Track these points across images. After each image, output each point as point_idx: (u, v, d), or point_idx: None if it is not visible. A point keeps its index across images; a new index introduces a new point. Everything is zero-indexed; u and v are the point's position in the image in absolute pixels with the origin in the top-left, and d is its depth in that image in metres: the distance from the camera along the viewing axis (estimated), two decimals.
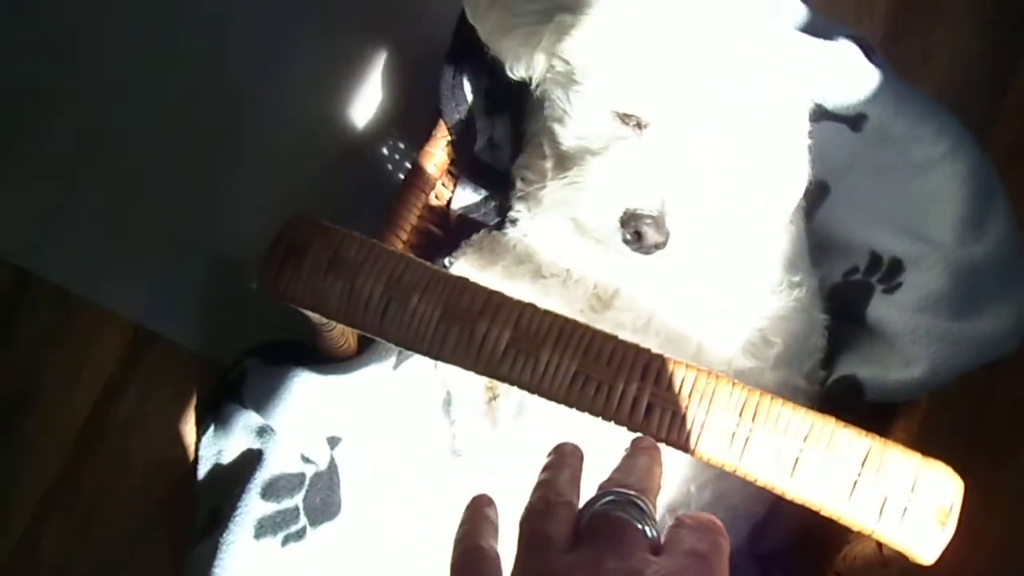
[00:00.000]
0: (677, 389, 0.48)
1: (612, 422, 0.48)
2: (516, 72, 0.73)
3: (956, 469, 0.50)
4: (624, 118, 0.68)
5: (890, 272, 0.78)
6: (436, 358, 0.50)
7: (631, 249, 0.67)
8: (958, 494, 0.49)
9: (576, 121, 0.70)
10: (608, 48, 0.67)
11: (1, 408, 0.94)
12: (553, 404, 0.75)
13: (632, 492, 0.43)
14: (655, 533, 0.42)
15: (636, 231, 0.65)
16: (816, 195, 0.83)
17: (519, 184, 0.79)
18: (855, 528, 0.47)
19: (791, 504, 0.81)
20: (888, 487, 0.46)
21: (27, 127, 0.99)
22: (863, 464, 0.47)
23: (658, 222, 0.65)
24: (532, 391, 0.49)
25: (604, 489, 0.43)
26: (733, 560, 0.66)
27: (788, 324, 0.77)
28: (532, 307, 0.49)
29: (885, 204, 0.80)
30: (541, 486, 0.45)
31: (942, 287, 0.74)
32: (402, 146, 0.98)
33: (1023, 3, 0.98)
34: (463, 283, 0.50)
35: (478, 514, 0.44)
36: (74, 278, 0.96)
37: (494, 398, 0.84)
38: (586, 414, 0.49)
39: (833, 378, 0.77)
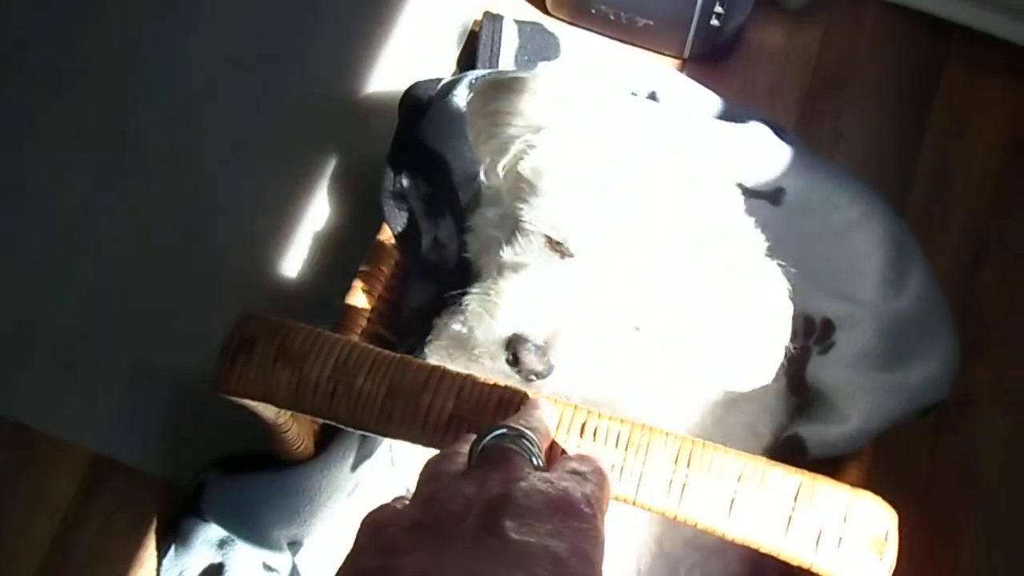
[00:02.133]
0: (615, 443, 0.50)
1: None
2: (489, 179, 0.75)
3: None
4: (554, 244, 0.67)
5: (823, 333, 0.82)
6: (384, 434, 0.51)
7: (513, 371, 0.64)
8: (892, 523, 0.51)
9: (517, 237, 0.70)
10: (553, 175, 0.68)
11: None
12: None
13: (521, 427, 0.45)
14: (542, 463, 0.45)
15: (515, 355, 0.63)
16: None
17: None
18: (795, 562, 0.49)
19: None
20: (822, 519, 0.48)
21: None
22: (796, 498, 0.49)
23: (540, 351, 0.62)
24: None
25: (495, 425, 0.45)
26: None
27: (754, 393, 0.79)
28: (472, 378, 0.52)
29: (812, 270, 0.84)
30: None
31: (870, 341, 0.78)
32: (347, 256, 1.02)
33: (919, 80, 1.06)
34: (405, 361, 0.52)
35: None
36: (33, 411, 0.97)
37: None
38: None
39: (779, 439, 0.79)
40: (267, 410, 0.67)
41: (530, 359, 0.62)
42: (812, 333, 0.82)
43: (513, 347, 0.63)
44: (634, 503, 0.49)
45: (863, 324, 0.79)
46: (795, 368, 0.82)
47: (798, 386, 0.82)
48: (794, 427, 0.79)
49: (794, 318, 0.84)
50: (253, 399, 0.55)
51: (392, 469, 0.84)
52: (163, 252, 1.01)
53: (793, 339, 0.84)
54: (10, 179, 1.04)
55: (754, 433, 0.77)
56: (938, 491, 0.94)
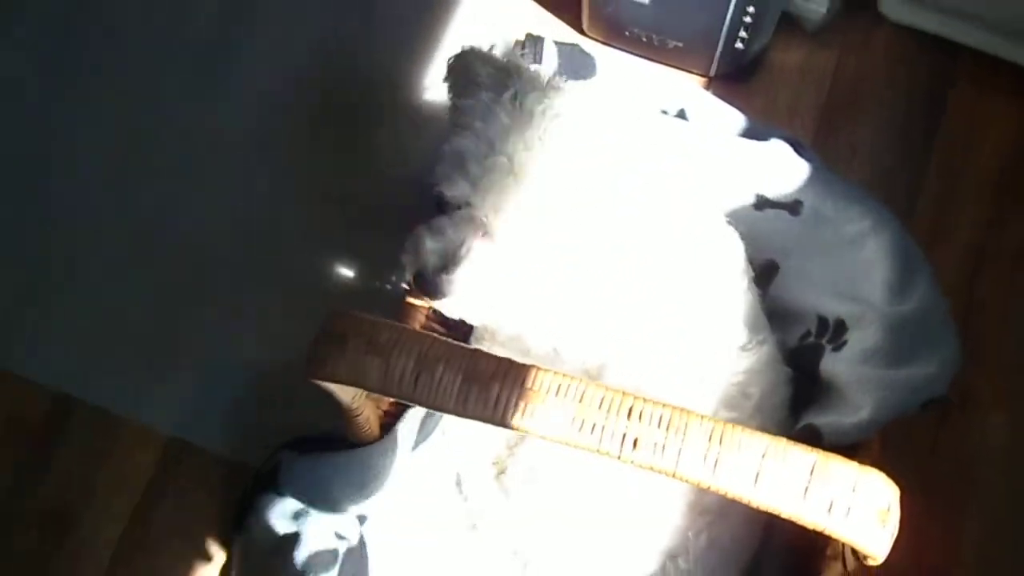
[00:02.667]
0: (658, 424, 0.59)
1: (606, 456, 0.59)
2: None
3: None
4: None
5: (836, 332, 0.91)
6: (460, 415, 0.60)
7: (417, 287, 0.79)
8: (895, 496, 0.59)
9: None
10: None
11: (49, 523, 1.03)
12: (559, 468, 0.86)
13: None
14: None
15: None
16: (768, 272, 0.96)
17: None
18: (810, 527, 0.58)
19: (776, 549, 0.91)
20: (833, 490, 0.57)
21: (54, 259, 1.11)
22: (811, 473, 0.57)
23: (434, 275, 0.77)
24: (537, 435, 0.60)
25: None
26: None
27: (760, 377, 0.88)
28: (536, 368, 0.61)
29: (826, 275, 0.93)
30: None
31: (878, 341, 0.86)
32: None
33: (928, 98, 1.14)
34: (478, 353, 0.61)
35: None
36: (113, 397, 1.06)
37: (502, 472, 0.94)
38: (583, 451, 0.59)
39: (796, 428, 0.88)
40: (345, 396, 0.76)
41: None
42: (826, 332, 0.91)
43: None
44: (673, 475, 0.58)
45: (872, 325, 0.87)
46: (809, 362, 0.91)
47: (811, 378, 0.90)
48: (810, 417, 0.88)
49: (808, 317, 0.94)
50: (345, 384, 0.64)
51: (445, 451, 0.94)
52: (232, 252, 1.11)
53: (807, 336, 0.94)
54: (94, 180, 1.14)
55: (744, 394, 0.87)
56: (940, 480, 1.02)
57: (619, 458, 0.59)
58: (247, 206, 1.12)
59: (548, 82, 0.81)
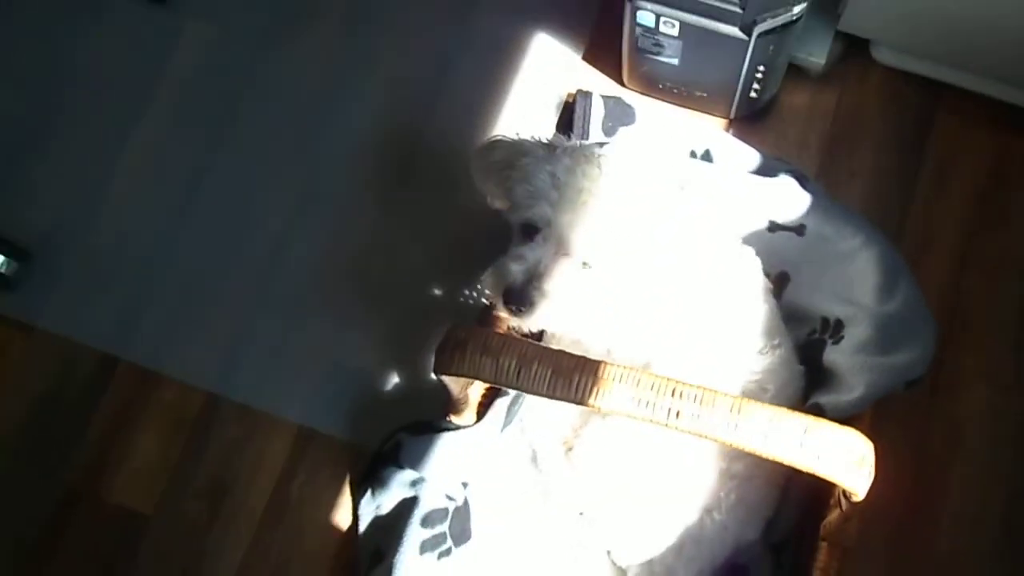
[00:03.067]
0: (693, 400, 0.81)
1: (657, 424, 0.82)
2: (492, 204, 1.07)
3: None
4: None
5: (835, 329, 1.13)
6: (550, 398, 0.84)
7: (510, 313, 0.98)
8: (869, 448, 0.82)
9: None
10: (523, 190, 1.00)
11: (209, 495, 1.28)
12: (615, 446, 1.09)
13: None
14: None
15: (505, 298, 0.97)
16: (782, 281, 1.19)
17: None
18: (805, 470, 0.80)
19: (791, 505, 1.14)
20: (820, 443, 0.79)
21: (208, 273, 1.36)
22: (805, 432, 0.80)
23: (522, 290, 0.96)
24: (606, 412, 0.83)
25: None
26: (754, 550, 1.00)
27: (775, 375, 1.10)
28: (604, 362, 0.84)
29: (827, 283, 1.16)
30: None
31: (870, 335, 1.09)
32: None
33: (917, 130, 1.36)
34: (562, 353, 0.85)
35: None
36: (253, 395, 1.31)
37: (569, 449, 1.17)
38: (640, 422, 0.82)
39: (805, 406, 1.10)
40: (456, 389, 1.01)
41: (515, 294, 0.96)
42: (827, 329, 1.14)
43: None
44: (705, 437, 0.81)
45: (864, 322, 1.10)
46: (815, 354, 1.14)
47: (816, 367, 1.13)
48: (815, 397, 1.10)
49: (814, 318, 1.17)
50: (465, 377, 0.88)
51: (525, 434, 1.18)
52: (346, 276, 1.35)
53: (813, 333, 1.16)
54: (229, 215, 1.39)
55: (762, 389, 1.07)
56: (934, 437, 1.23)
57: (666, 426, 0.82)
58: (355, 238, 1.36)
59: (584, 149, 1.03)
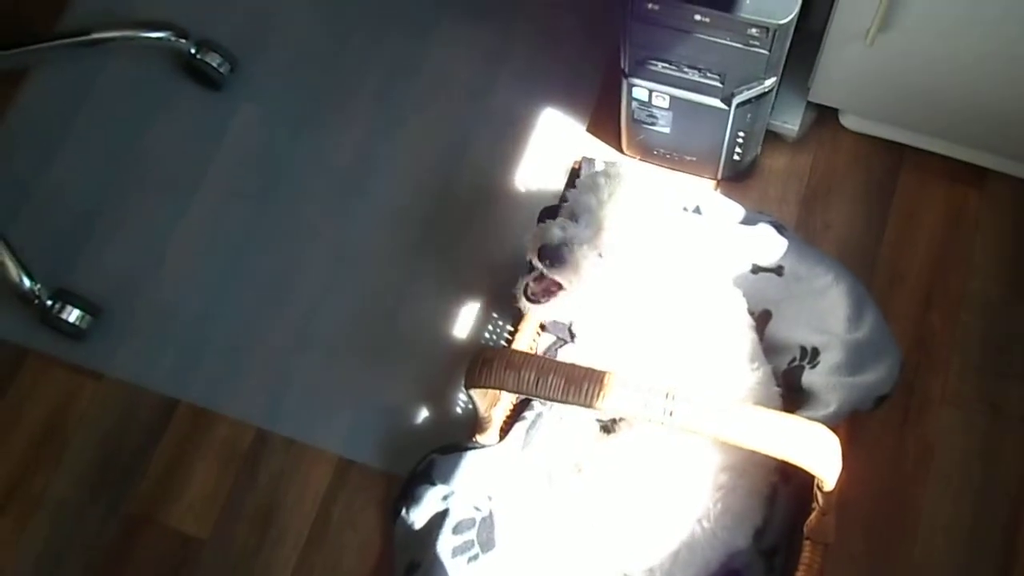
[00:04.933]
0: (686, 400, 0.97)
1: (655, 421, 0.97)
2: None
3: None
4: None
5: (812, 356, 1.29)
6: (564, 403, 0.99)
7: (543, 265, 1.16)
8: (835, 442, 0.97)
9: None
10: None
11: (256, 523, 1.42)
12: (620, 468, 1.23)
13: None
14: None
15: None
16: (765, 318, 1.36)
17: None
18: (784, 459, 0.95)
19: (779, 514, 1.27)
20: (796, 437, 0.95)
21: (255, 324, 1.53)
22: (785, 427, 0.95)
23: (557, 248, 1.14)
24: (612, 414, 0.99)
25: None
26: (747, 556, 1.14)
27: (755, 394, 1.26)
28: (609, 373, 1.00)
29: (804, 316, 1.32)
30: None
31: (841, 359, 1.25)
32: (501, 323, 1.51)
33: (882, 185, 1.54)
34: (574, 365, 1.00)
35: None
36: (297, 430, 1.47)
37: (580, 471, 1.32)
38: (641, 419, 0.98)
39: None
40: (483, 407, 1.16)
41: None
42: (805, 356, 1.30)
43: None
44: (695, 432, 0.96)
45: (836, 348, 1.26)
46: (796, 378, 1.29)
47: (795, 389, 1.28)
48: (796, 415, 1.25)
49: (794, 348, 1.32)
50: (492, 388, 1.04)
51: (537, 455, 1.33)
52: (377, 320, 1.52)
53: (793, 361, 1.32)
54: (271, 268, 1.57)
55: None
56: (904, 467, 1.37)
57: (662, 423, 0.97)
58: (386, 289, 1.54)
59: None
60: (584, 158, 1.49)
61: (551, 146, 1.60)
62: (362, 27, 1.70)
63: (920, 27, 1.25)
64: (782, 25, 1.19)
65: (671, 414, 0.97)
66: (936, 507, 1.36)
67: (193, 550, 1.41)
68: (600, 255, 1.16)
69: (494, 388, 1.03)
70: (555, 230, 1.16)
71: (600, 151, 1.57)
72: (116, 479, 1.45)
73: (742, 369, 1.25)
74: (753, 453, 0.96)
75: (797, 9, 1.18)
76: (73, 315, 1.48)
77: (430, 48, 1.67)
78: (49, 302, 1.48)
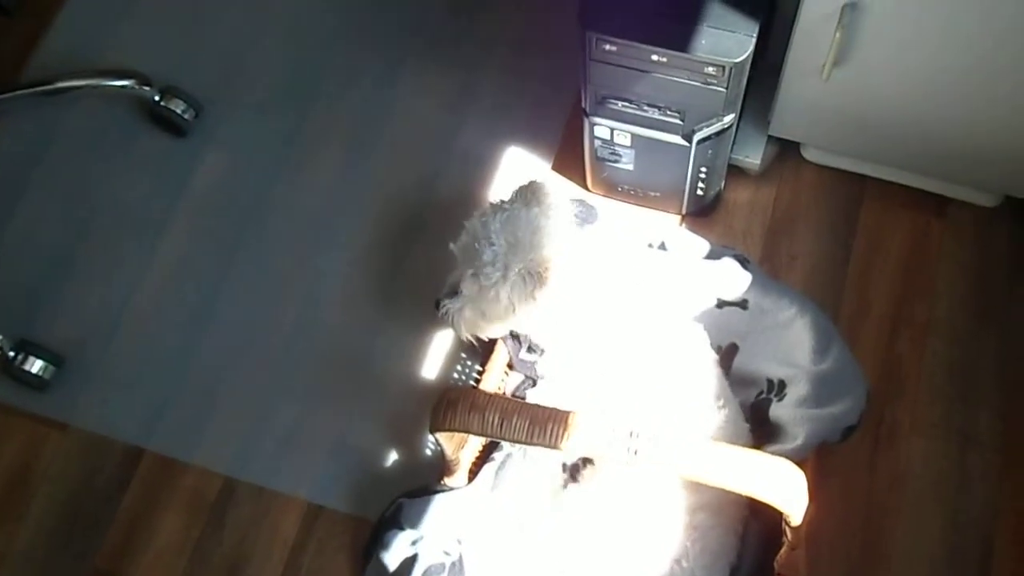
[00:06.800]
0: (649, 440, 0.97)
1: (618, 460, 0.96)
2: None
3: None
4: None
5: (779, 388, 1.29)
6: (527, 444, 0.99)
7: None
8: (800, 477, 0.97)
9: None
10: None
11: (227, 568, 1.39)
12: (589, 515, 1.22)
13: None
14: None
15: None
16: (731, 352, 1.36)
17: None
18: (751, 496, 0.95)
19: (753, 548, 1.27)
20: (763, 472, 0.94)
21: (222, 370, 1.52)
22: (750, 464, 0.95)
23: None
24: (577, 454, 0.98)
25: None
26: None
27: (723, 432, 1.26)
28: (573, 413, 0.99)
29: (770, 349, 1.32)
30: None
31: (807, 391, 1.25)
32: (469, 363, 1.51)
33: (845, 217, 1.55)
34: (538, 407, 1.00)
35: None
36: (265, 476, 1.45)
37: (550, 515, 1.31)
38: (601, 457, 0.97)
39: None
40: (449, 450, 1.16)
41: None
42: (772, 388, 1.30)
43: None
44: (661, 469, 0.96)
45: (802, 380, 1.26)
46: (763, 411, 1.29)
47: (763, 422, 1.28)
48: (764, 449, 1.25)
49: (761, 381, 1.33)
50: (456, 432, 1.03)
51: (511, 497, 1.32)
52: (349, 363, 1.51)
53: (760, 394, 1.32)
54: (241, 314, 1.56)
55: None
56: (876, 495, 1.38)
57: (626, 463, 0.97)
58: (354, 334, 1.53)
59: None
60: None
61: (517, 185, 1.59)
62: (329, 71, 1.71)
63: (873, 63, 1.27)
64: (737, 63, 1.20)
65: (636, 452, 0.97)
66: (909, 537, 1.36)
67: None
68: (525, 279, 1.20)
69: (459, 431, 1.03)
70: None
71: (566, 189, 1.58)
72: (82, 531, 1.43)
73: (708, 407, 1.25)
74: (725, 491, 0.96)
75: (752, 48, 1.20)
76: (36, 365, 1.47)
77: (396, 89, 1.69)
78: (11, 353, 1.46)
